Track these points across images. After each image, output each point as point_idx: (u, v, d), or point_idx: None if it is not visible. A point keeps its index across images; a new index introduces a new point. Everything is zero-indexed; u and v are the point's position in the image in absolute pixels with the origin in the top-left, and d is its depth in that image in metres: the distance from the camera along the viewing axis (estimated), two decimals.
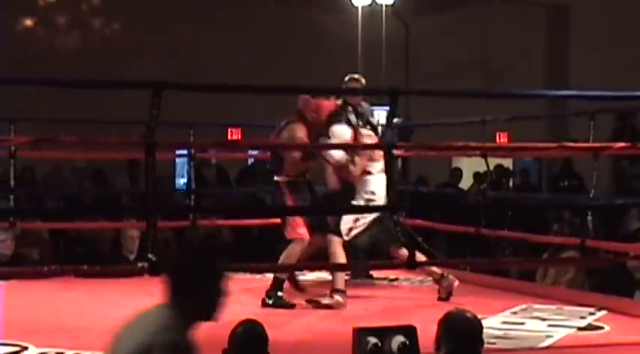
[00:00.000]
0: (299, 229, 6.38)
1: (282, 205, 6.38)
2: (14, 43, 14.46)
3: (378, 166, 6.41)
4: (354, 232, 6.41)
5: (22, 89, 11.26)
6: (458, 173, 12.48)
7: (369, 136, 6.61)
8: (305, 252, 6.42)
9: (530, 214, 9.73)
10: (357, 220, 6.40)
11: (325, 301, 6.21)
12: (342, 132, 6.51)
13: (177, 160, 12.41)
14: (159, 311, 2.96)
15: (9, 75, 11.30)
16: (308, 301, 6.26)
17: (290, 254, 6.36)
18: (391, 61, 15.34)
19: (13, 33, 14.86)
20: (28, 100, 11.28)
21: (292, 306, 6.26)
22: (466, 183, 12.22)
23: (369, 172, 6.48)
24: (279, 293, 6.30)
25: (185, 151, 9.06)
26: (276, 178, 6.57)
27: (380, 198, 6.30)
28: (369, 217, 6.39)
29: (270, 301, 6.28)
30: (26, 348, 4.97)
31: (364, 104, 6.79)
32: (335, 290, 6.26)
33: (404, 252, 6.33)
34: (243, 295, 6.73)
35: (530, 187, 13.04)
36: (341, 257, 6.31)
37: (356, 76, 6.89)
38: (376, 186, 6.38)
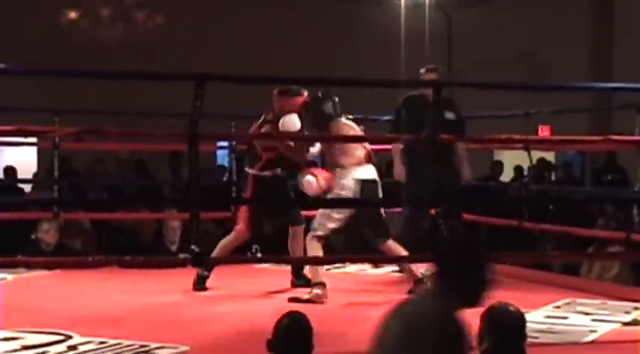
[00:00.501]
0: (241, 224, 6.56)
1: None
2: (59, 35, 14.60)
3: (351, 159, 6.32)
4: (330, 226, 6.30)
5: (66, 81, 11.36)
6: (499, 166, 12.41)
7: (350, 127, 6.52)
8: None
9: (573, 208, 9.64)
10: (330, 215, 6.27)
11: (306, 296, 6.16)
12: (290, 123, 6.44)
13: (218, 152, 12.46)
14: (426, 298, 3.01)
15: (53, 67, 11.41)
16: (290, 300, 6.16)
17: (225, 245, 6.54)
18: (434, 54, 15.28)
19: (57, 26, 15.01)
20: (72, 92, 11.37)
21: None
22: (507, 176, 12.14)
23: (341, 166, 6.34)
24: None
25: (226, 143, 9.11)
26: (247, 169, 6.64)
27: (351, 191, 6.23)
28: (346, 212, 6.27)
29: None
30: (70, 337, 5.02)
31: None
32: (314, 284, 6.22)
33: (391, 246, 6.34)
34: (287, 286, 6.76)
35: (573, 181, 12.92)
36: (317, 251, 6.25)
37: (432, 66, 6.92)
38: (347, 179, 6.31)
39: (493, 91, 10.96)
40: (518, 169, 11.46)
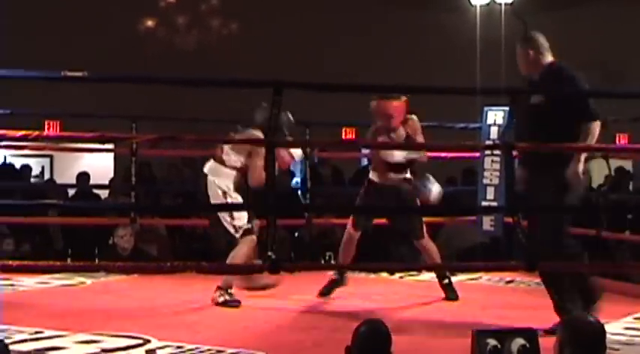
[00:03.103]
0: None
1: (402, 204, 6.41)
2: (135, 43, 14.80)
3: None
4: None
5: (142, 88, 11.52)
6: None
7: None
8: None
9: None
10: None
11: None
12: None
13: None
14: None
15: (130, 74, 11.58)
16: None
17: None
18: (510, 60, 15.14)
19: (134, 33, 15.22)
20: (148, 99, 11.52)
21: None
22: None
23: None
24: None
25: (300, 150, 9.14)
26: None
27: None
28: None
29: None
30: (148, 341, 5.08)
31: None
32: (219, 288, 6.31)
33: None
34: (361, 293, 6.76)
35: None
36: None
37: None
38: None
39: None
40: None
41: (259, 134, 6.22)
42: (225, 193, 6.40)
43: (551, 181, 5.36)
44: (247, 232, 6.35)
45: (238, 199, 6.39)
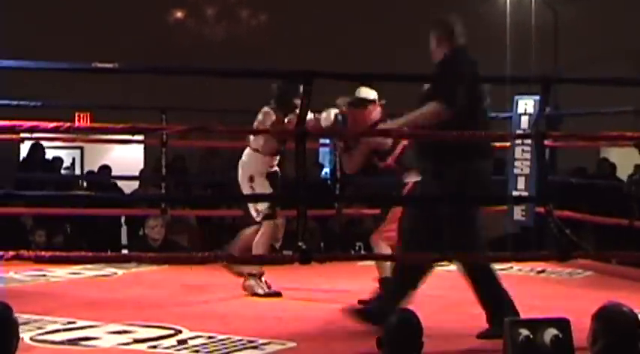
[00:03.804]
0: None
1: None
2: (165, 34, 14.85)
3: None
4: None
5: (171, 79, 11.55)
6: (606, 164, 12.16)
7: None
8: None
9: None
10: None
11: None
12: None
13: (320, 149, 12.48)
14: None
15: (160, 65, 11.60)
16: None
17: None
18: (540, 49, 15.06)
19: (163, 25, 15.26)
20: (178, 90, 11.55)
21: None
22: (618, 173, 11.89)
23: None
24: None
25: (327, 141, 9.13)
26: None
27: None
28: None
29: None
30: (180, 331, 5.10)
31: None
32: (251, 275, 6.36)
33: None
34: None
35: None
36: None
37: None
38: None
39: (600, 88, 10.78)
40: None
41: (271, 112, 6.27)
42: (251, 177, 6.41)
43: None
44: (268, 216, 6.35)
45: (264, 183, 6.37)
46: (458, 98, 4.96)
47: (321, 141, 9.72)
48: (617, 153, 11.70)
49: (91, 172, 10.89)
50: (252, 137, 6.42)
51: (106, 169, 11.00)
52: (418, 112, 5.03)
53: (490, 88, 5.33)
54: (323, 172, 11.98)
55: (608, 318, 3.32)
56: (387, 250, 6.04)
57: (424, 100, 5.10)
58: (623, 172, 11.61)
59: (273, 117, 6.29)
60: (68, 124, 4.78)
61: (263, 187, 6.38)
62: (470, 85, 5.06)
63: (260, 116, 6.37)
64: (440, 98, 4.99)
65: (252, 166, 6.42)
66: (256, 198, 6.45)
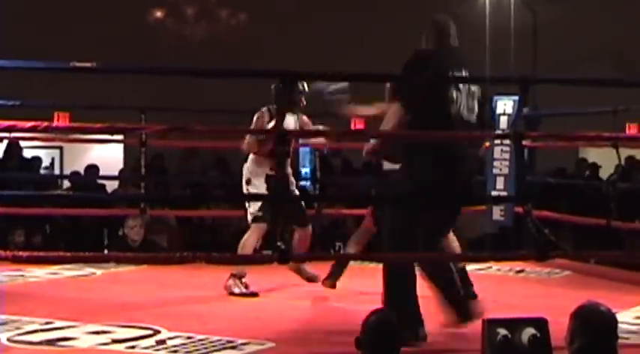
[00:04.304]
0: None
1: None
2: (145, 34, 14.81)
3: None
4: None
5: (151, 79, 11.51)
6: (585, 164, 12.22)
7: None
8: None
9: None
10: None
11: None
12: None
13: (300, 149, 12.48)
14: None
15: (140, 65, 11.56)
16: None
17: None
18: (519, 49, 15.13)
19: (143, 25, 15.22)
20: (157, 90, 11.52)
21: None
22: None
23: None
24: None
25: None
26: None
27: None
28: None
29: None
30: (158, 331, 5.08)
31: None
32: (233, 276, 6.38)
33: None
34: (371, 284, 6.75)
35: None
36: None
37: None
38: None
39: (578, 88, 10.82)
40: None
41: (265, 113, 6.27)
42: (248, 180, 6.47)
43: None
44: (257, 219, 6.34)
45: (261, 187, 6.38)
46: (414, 100, 4.96)
47: (301, 141, 9.72)
48: (596, 153, 11.76)
49: (76, 173, 10.82)
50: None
51: (93, 168, 10.95)
52: (388, 116, 5.03)
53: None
54: (303, 173, 11.98)
55: (585, 317, 3.33)
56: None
57: (390, 97, 5.14)
58: (605, 173, 11.69)
59: (266, 118, 6.32)
60: (46, 124, 4.76)
61: (258, 190, 6.39)
62: (432, 87, 5.03)
63: (255, 117, 6.42)
64: (399, 99, 5.00)
65: (250, 169, 6.47)
66: (237, 198, 6.46)
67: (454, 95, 5.04)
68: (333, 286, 6.51)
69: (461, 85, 5.07)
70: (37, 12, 14.41)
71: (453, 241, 6.35)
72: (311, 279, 6.61)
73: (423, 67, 5.09)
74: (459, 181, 5.06)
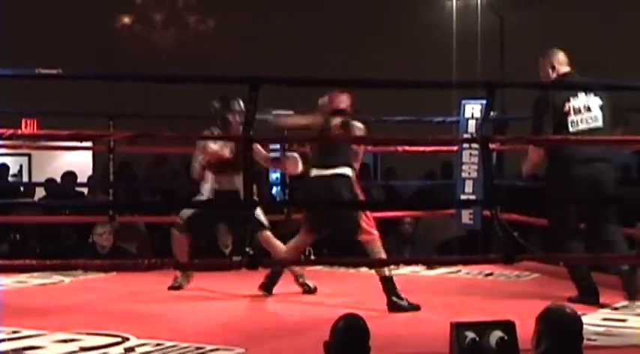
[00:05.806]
0: None
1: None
2: (112, 40, 14.75)
3: None
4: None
5: (119, 85, 11.46)
6: None
7: None
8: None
9: (633, 209, 9.50)
10: None
11: None
12: None
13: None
14: None
15: (107, 71, 11.52)
16: None
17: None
18: (486, 54, 15.21)
19: (111, 30, 15.17)
20: (125, 96, 11.47)
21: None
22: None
23: None
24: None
25: (278, 146, 9.12)
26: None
27: None
28: None
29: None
30: (127, 339, 5.06)
31: None
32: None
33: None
34: (340, 289, 6.77)
35: (632, 182, 12.75)
36: None
37: None
38: None
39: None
40: None
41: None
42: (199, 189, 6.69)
43: None
44: (179, 227, 6.68)
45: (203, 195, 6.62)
46: None
47: (271, 146, 9.72)
48: None
49: (51, 180, 10.75)
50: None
51: (70, 175, 10.88)
52: None
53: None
54: (273, 177, 11.98)
55: (551, 320, 3.36)
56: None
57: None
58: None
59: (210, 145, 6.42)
60: (11, 131, 4.73)
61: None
62: None
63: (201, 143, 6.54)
64: None
65: (204, 185, 6.62)
66: (197, 205, 6.53)
67: None
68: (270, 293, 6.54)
69: None
70: (3, 19, 14.33)
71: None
72: (307, 291, 6.60)
73: None
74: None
